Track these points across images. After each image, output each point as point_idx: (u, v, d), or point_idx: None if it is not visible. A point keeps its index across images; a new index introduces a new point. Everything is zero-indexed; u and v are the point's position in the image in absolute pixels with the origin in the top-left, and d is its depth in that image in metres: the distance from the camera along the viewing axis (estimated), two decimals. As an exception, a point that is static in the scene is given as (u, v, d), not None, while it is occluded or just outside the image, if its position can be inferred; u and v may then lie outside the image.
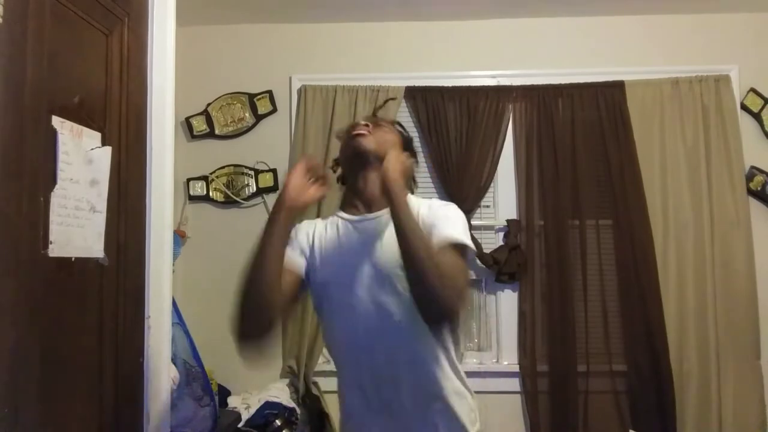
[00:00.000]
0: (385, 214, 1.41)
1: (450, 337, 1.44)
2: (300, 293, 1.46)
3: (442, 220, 1.38)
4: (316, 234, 1.49)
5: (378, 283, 1.38)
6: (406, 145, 1.57)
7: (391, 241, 1.34)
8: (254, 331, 1.32)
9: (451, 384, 1.43)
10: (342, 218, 1.49)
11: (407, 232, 1.26)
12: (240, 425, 2.50)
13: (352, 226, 1.46)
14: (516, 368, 2.99)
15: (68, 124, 1.24)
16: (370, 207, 1.47)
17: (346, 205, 1.51)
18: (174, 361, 1.96)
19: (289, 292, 1.40)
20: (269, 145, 3.14)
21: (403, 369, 1.39)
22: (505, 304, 3.07)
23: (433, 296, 1.22)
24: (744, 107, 3.05)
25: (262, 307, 1.30)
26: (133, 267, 1.47)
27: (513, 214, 3.07)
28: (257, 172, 3.14)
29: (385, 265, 1.38)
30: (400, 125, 1.63)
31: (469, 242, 1.37)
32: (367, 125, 1.50)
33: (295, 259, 1.44)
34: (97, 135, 1.34)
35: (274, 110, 3.17)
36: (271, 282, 1.31)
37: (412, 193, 1.53)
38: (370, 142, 1.47)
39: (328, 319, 1.49)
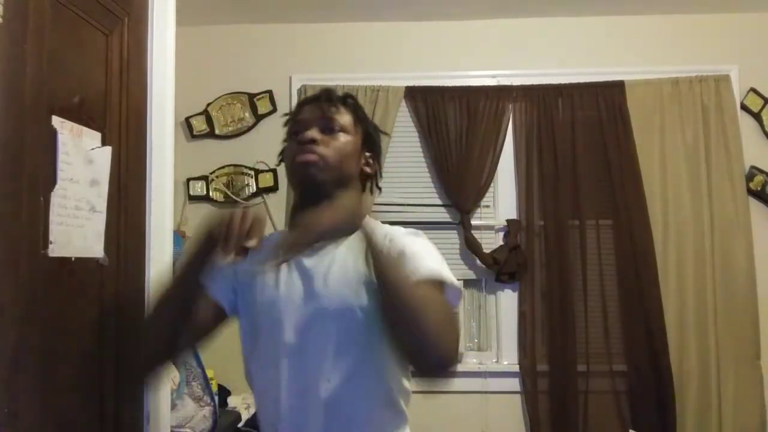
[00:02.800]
0: (336, 244, 1.20)
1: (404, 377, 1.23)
2: (221, 320, 1.24)
3: (415, 255, 1.15)
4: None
5: (318, 326, 1.16)
6: (367, 140, 1.30)
7: (338, 277, 1.16)
8: (149, 373, 1.28)
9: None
10: None
11: (398, 284, 1.06)
12: (240, 425, 2.50)
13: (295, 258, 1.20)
14: (516, 368, 2.99)
15: (68, 124, 1.24)
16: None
17: (292, 229, 1.21)
18: (174, 361, 1.96)
19: (205, 322, 1.21)
20: (269, 145, 3.08)
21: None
22: (505, 304, 3.07)
23: (432, 345, 1.04)
24: (744, 107, 3.05)
25: (162, 352, 1.19)
26: (133, 267, 1.46)
27: (513, 214, 3.06)
28: (257, 172, 3.14)
29: (331, 305, 1.16)
30: (354, 101, 1.29)
31: (452, 278, 1.16)
32: (314, 140, 1.19)
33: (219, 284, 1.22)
34: (97, 135, 1.33)
35: (274, 110, 3.16)
36: (180, 325, 1.16)
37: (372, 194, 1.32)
38: (322, 170, 1.18)
39: (249, 360, 1.26)
